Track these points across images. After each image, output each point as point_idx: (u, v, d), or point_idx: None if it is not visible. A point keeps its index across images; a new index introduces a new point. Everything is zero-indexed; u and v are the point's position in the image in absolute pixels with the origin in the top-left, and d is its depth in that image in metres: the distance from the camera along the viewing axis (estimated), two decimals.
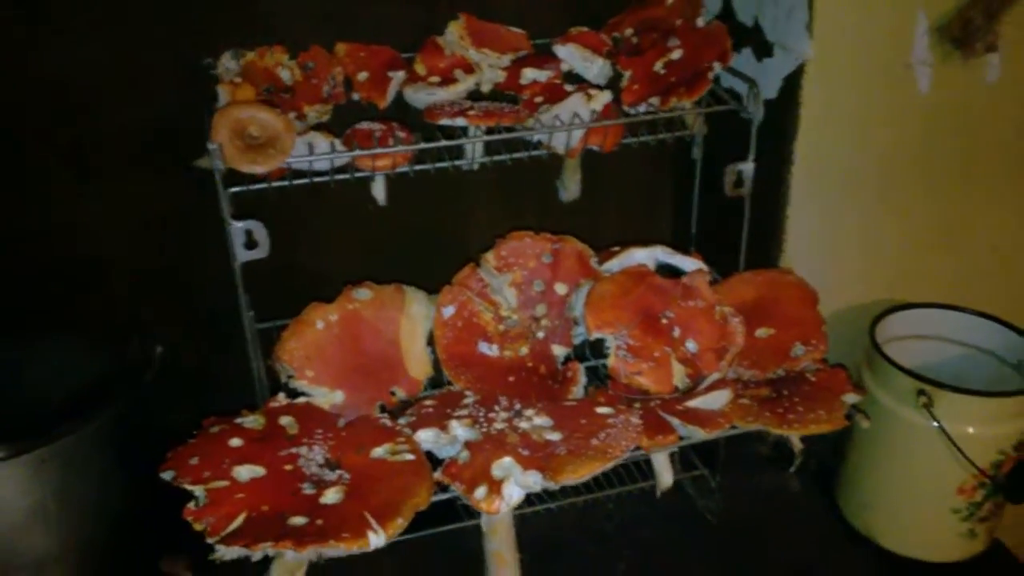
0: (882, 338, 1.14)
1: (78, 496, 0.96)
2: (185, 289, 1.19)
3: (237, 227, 0.85)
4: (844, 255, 1.22)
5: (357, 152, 0.90)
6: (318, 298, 1.00)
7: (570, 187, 1.13)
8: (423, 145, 0.92)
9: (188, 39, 1.05)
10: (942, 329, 1.21)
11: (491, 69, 1.06)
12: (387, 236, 1.19)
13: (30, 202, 1.10)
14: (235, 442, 0.79)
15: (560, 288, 1.00)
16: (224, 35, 1.04)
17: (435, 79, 1.03)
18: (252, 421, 0.83)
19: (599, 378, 1.00)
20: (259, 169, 0.86)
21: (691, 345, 0.95)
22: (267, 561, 0.73)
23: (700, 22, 1.08)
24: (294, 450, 0.79)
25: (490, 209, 1.21)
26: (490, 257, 0.99)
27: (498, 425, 0.83)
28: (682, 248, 1.09)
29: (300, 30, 1.06)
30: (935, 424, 1.05)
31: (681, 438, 0.86)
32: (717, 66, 0.99)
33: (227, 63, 1.00)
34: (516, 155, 0.99)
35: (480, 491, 0.75)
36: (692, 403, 0.88)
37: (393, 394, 0.95)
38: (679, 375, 0.93)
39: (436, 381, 0.99)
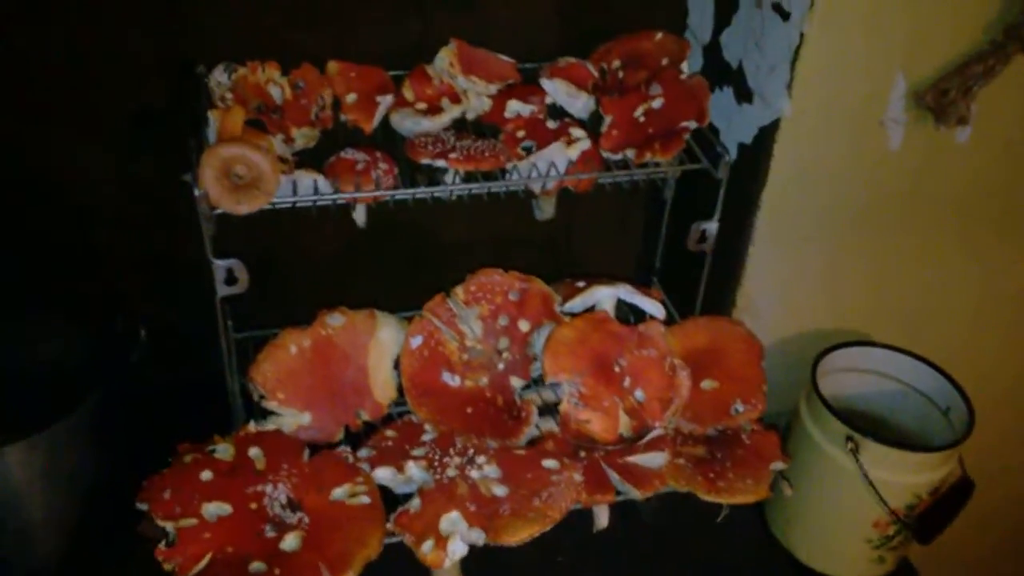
0: (825, 369, 1.21)
1: (65, 473, 1.02)
2: (167, 263, 1.23)
3: (219, 265, 0.89)
4: (801, 291, 1.27)
5: (342, 196, 0.93)
6: (296, 305, 1.05)
7: (546, 209, 1.16)
8: (402, 191, 0.95)
9: (181, 39, 1.05)
10: (880, 365, 1.28)
11: (478, 98, 1.08)
12: (366, 235, 1.23)
13: (15, 164, 1.12)
14: (206, 475, 0.86)
15: (523, 325, 1.06)
16: (217, 36, 1.06)
17: (422, 106, 1.05)
18: (223, 451, 0.89)
19: (550, 409, 1.06)
20: (244, 210, 0.89)
21: (639, 394, 1.02)
22: None
23: (685, 66, 1.10)
24: (260, 487, 0.86)
25: (468, 223, 1.25)
26: (459, 291, 1.04)
27: (450, 472, 0.90)
28: (645, 276, 1.14)
29: (293, 31, 1.07)
30: (858, 467, 1.13)
31: (618, 493, 0.93)
32: (693, 124, 1.02)
33: (219, 76, 1.01)
34: (494, 190, 1.03)
35: (427, 545, 0.83)
36: (632, 459, 0.96)
37: (358, 416, 1.02)
38: (625, 425, 1.00)
39: (401, 401, 1.05)
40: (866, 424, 1.15)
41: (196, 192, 0.85)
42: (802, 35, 1.02)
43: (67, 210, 1.16)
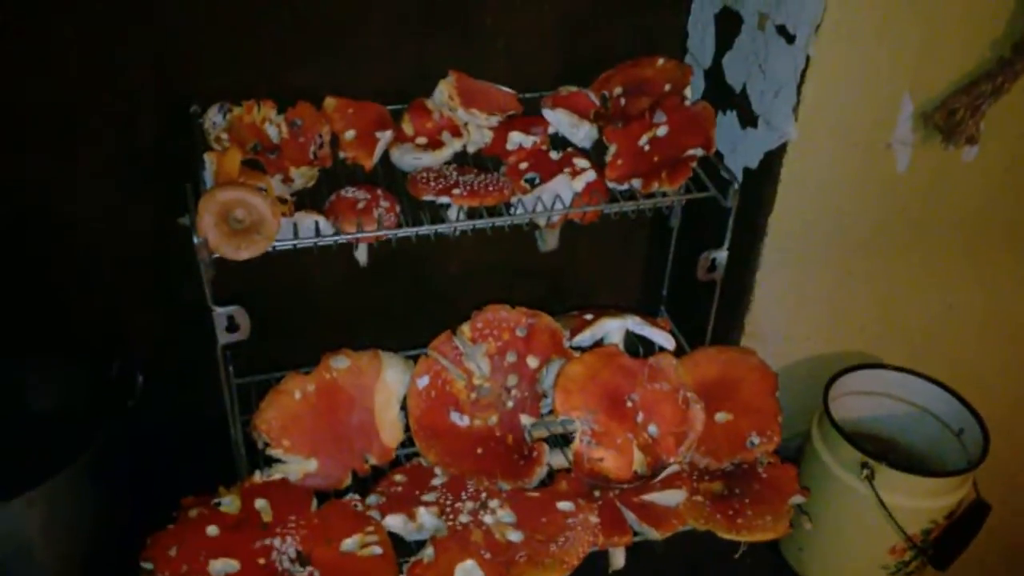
0: (836, 392, 1.19)
1: (64, 529, 0.99)
2: (164, 305, 1.20)
3: (220, 313, 0.86)
4: (809, 315, 1.26)
5: (344, 237, 0.91)
6: (298, 346, 1.03)
7: (549, 241, 1.15)
8: (405, 231, 0.93)
9: (175, 79, 1.03)
10: (892, 388, 1.26)
11: (478, 130, 1.06)
12: (362, 283, 1.21)
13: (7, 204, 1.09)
14: (212, 530, 0.83)
15: (532, 361, 1.03)
16: (211, 72, 1.04)
17: (422, 141, 1.04)
18: (228, 504, 0.87)
19: (558, 441, 1.04)
20: (244, 255, 0.87)
21: (653, 429, 1.00)
22: None
23: (688, 91, 1.09)
24: (268, 541, 0.84)
25: (469, 256, 1.23)
26: (466, 329, 1.02)
27: (463, 518, 0.87)
28: (651, 305, 1.12)
29: (288, 68, 1.05)
30: (873, 493, 1.11)
31: (635, 533, 0.91)
32: (700, 152, 1.00)
33: (214, 117, 0.99)
34: (498, 224, 1.01)
35: None
36: (649, 497, 0.93)
37: (366, 461, 0.99)
38: (639, 462, 0.98)
39: (409, 443, 1.02)
40: (878, 447, 1.13)
41: (195, 239, 0.83)
42: (808, 58, 1.00)
43: (60, 252, 1.13)
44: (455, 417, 1.02)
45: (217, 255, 0.86)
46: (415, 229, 0.93)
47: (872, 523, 1.13)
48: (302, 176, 0.99)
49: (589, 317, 1.09)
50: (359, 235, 0.92)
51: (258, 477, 0.91)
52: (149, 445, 1.16)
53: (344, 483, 0.98)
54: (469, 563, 0.82)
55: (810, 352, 1.29)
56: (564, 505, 0.90)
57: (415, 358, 1.04)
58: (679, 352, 1.11)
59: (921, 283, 1.27)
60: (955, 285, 1.28)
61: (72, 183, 1.08)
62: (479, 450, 1.00)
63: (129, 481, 1.11)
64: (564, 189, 0.99)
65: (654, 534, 0.90)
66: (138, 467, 1.13)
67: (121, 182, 1.09)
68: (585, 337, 1.06)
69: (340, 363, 0.99)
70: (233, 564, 0.81)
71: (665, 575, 1.17)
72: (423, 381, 1.01)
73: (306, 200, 0.98)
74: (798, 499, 0.95)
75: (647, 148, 1.03)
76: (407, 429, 1.01)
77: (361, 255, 1.02)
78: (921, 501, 1.12)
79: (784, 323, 1.23)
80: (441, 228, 0.95)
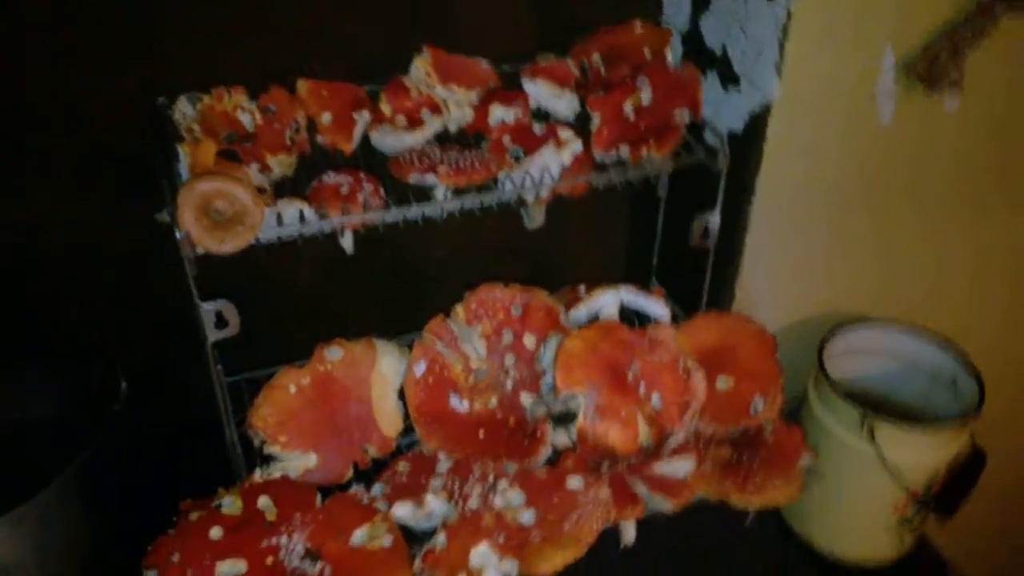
0: (829, 354, 1.18)
1: (57, 544, 0.95)
2: (143, 306, 1.17)
3: (207, 309, 0.83)
4: (799, 277, 1.25)
5: (330, 222, 0.88)
6: (286, 339, 1.00)
7: (536, 218, 1.12)
8: (393, 213, 0.91)
9: (141, 71, 0.99)
10: (884, 344, 1.26)
11: (459, 108, 1.03)
12: (349, 271, 1.18)
13: None
14: (215, 533, 0.80)
15: (528, 340, 1.01)
16: (179, 64, 1.00)
17: (402, 121, 1.01)
18: (230, 505, 0.84)
19: (559, 420, 1.02)
20: (228, 248, 0.84)
21: (656, 400, 0.98)
22: None
23: (668, 54, 1.07)
24: (274, 540, 0.81)
25: (455, 238, 1.21)
26: (460, 310, 1.00)
27: (473, 502, 0.85)
28: (640, 276, 1.10)
29: (261, 49, 1.02)
30: (874, 449, 1.11)
31: (648, 508, 0.89)
32: (687, 116, 0.98)
33: (183, 108, 0.95)
34: (487, 202, 0.99)
35: None
36: (658, 469, 0.92)
37: (366, 452, 0.97)
38: (644, 434, 0.96)
39: (408, 431, 1.00)
40: (871, 406, 1.13)
41: (178, 234, 0.80)
42: (789, 13, 0.99)
43: (33, 259, 1.09)
44: (454, 402, 0.99)
45: (201, 251, 0.83)
46: (403, 211, 0.90)
47: (873, 480, 1.13)
48: (280, 164, 0.95)
49: (582, 291, 1.07)
50: (346, 220, 0.89)
51: (258, 476, 0.88)
52: (138, 452, 1.12)
53: (345, 477, 0.95)
54: (483, 547, 0.80)
55: (802, 315, 1.29)
56: (574, 482, 0.88)
57: (409, 345, 1.02)
58: (674, 321, 1.09)
59: (910, 239, 1.26)
60: (945, 239, 1.28)
61: (41, 187, 1.04)
62: (481, 433, 0.98)
63: (120, 491, 1.08)
64: (552, 161, 0.96)
65: (667, 505, 0.89)
66: (128, 476, 1.10)
67: (91, 183, 1.05)
68: (580, 312, 1.04)
69: (334, 354, 0.96)
70: (240, 565, 0.78)
71: (673, 547, 1.16)
72: (420, 367, 0.98)
73: (286, 189, 0.95)
74: (807, 460, 0.94)
75: (632, 115, 1.01)
76: (406, 418, 0.99)
77: (347, 242, 0.99)
78: (922, 453, 1.12)
79: (775, 287, 1.22)
80: (428, 209, 0.92)
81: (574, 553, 0.80)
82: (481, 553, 0.80)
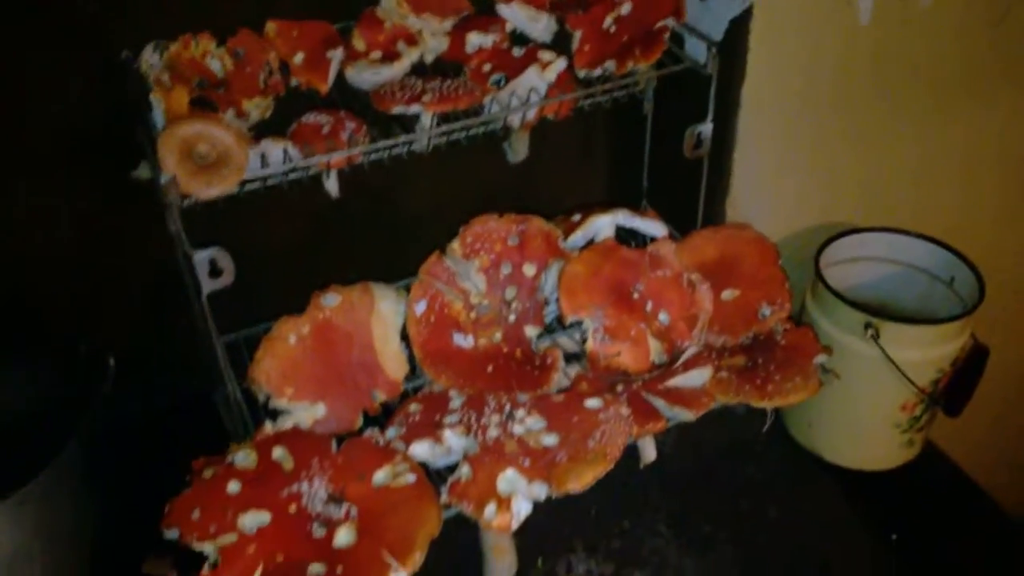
0: (824, 263, 1.18)
1: (59, 527, 0.92)
2: (121, 283, 1.12)
3: (201, 258, 0.80)
4: (785, 187, 1.24)
5: (316, 159, 0.85)
6: (273, 298, 0.96)
7: (519, 150, 1.10)
8: (381, 143, 0.87)
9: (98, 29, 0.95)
10: (878, 251, 1.26)
11: (434, 38, 1.00)
12: (334, 211, 1.14)
13: None
14: (233, 487, 0.78)
15: (528, 269, 0.99)
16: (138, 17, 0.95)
17: (377, 55, 0.97)
18: (244, 458, 0.81)
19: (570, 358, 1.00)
20: (214, 192, 0.80)
21: (664, 317, 0.97)
22: None
23: None
24: (295, 487, 0.78)
25: (437, 184, 1.18)
26: (456, 245, 0.97)
27: (492, 432, 0.83)
28: (632, 201, 1.08)
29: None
30: (879, 351, 1.10)
31: (669, 420, 0.88)
32: (671, 22, 0.96)
33: (149, 58, 0.91)
34: (471, 132, 0.96)
35: (490, 510, 0.77)
36: (674, 382, 0.90)
37: (374, 398, 0.94)
38: (656, 351, 0.94)
39: (411, 375, 0.98)
40: (872, 312, 1.12)
41: (162, 179, 0.76)
42: None
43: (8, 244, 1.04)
44: (459, 339, 0.97)
45: (186, 202, 0.79)
46: (390, 142, 0.87)
47: (880, 383, 1.13)
48: (256, 107, 0.92)
49: (577, 218, 1.05)
50: (333, 156, 0.86)
51: (269, 428, 0.85)
52: (136, 433, 1.09)
53: (356, 425, 0.93)
54: (510, 472, 0.78)
55: (794, 229, 1.28)
56: (592, 403, 0.86)
57: (406, 288, 0.99)
58: (673, 240, 1.07)
59: (897, 141, 1.26)
60: (931, 138, 1.28)
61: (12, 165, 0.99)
62: (490, 368, 0.96)
63: (121, 472, 1.04)
64: (537, 82, 0.93)
65: (687, 415, 0.87)
66: (128, 457, 1.06)
67: (56, 151, 1.00)
68: (577, 237, 1.02)
69: (331, 301, 0.93)
70: (264, 516, 0.75)
71: (681, 468, 1.15)
72: (420, 307, 0.96)
73: (265, 133, 0.91)
74: (822, 358, 0.93)
75: (613, 29, 0.99)
76: (411, 360, 0.96)
77: (332, 185, 0.95)
78: (927, 351, 1.12)
79: (766, 200, 1.21)
80: (416, 138, 0.89)
81: (603, 467, 0.78)
82: (508, 478, 0.78)
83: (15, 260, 1.05)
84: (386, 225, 1.19)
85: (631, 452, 1.05)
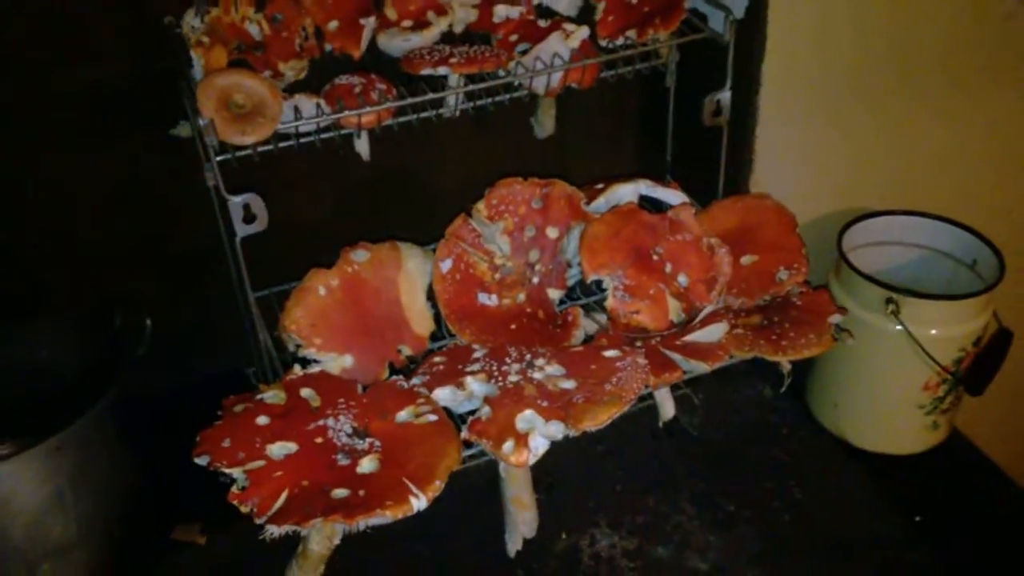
0: (847, 247, 1.19)
1: (92, 478, 0.95)
2: (159, 255, 1.16)
3: (236, 202, 0.83)
4: (808, 169, 1.26)
5: (346, 113, 0.89)
6: (302, 254, 1.00)
7: (546, 124, 1.13)
8: (410, 100, 0.91)
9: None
10: (901, 234, 1.27)
11: (463, 8, 1.04)
12: (363, 186, 1.18)
13: None
14: (262, 420, 0.80)
15: (551, 232, 1.02)
16: None
17: (408, 23, 1.01)
18: (273, 396, 0.84)
19: (592, 317, 1.02)
20: (249, 140, 0.84)
21: (682, 279, 0.98)
22: None
23: None
24: (321, 422, 0.81)
25: (462, 149, 1.21)
26: (481, 207, 1.00)
27: (512, 378, 0.85)
28: (657, 177, 1.11)
29: None
30: (901, 328, 1.11)
31: (685, 372, 0.89)
32: None
33: (191, 21, 0.95)
34: (498, 98, 0.99)
35: (508, 445, 0.78)
36: (691, 337, 0.92)
37: (400, 352, 0.97)
38: (674, 310, 0.96)
39: (437, 335, 1.00)
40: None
41: (200, 122, 0.80)
42: None
43: (43, 205, 1.08)
44: (483, 298, 1.00)
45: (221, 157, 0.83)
46: (419, 99, 0.91)
47: (904, 360, 1.13)
48: (291, 69, 0.96)
49: (600, 187, 1.08)
50: (364, 111, 0.89)
51: (298, 370, 0.87)
52: (168, 400, 1.12)
53: (382, 376, 0.95)
54: (528, 412, 0.80)
55: (816, 213, 1.29)
56: (610, 353, 0.88)
57: (434, 250, 1.02)
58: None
59: (919, 125, 1.27)
60: (949, 123, 1.29)
61: (42, 134, 1.04)
62: (512, 326, 0.99)
63: (154, 435, 1.07)
64: (561, 47, 0.97)
65: (703, 367, 0.89)
66: (160, 420, 1.09)
67: (96, 114, 1.04)
68: (600, 204, 1.05)
69: (360, 256, 0.97)
70: (291, 446, 0.78)
71: (704, 449, 1.16)
72: (446, 264, 0.99)
73: (299, 92, 0.95)
74: (836, 318, 0.94)
75: (635, 1, 1.02)
76: (436, 318, 0.99)
77: (363, 147, 0.99)
78: (949, 328, 1.12)
79: (788, 181, 1.23)
80: (443, 96, 0.92)
81: (618, 408, 0.80)
82: (527, 417, 0.80)
83: (61, 222, 1.10)
84: (415, 200, 1.22)
85: (658, 429, 1.07)
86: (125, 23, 1.00)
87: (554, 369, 0.87)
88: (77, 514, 0.97)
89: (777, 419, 1.24)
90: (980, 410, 1.28)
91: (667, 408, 0.94)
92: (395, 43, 0.99)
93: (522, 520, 0.92)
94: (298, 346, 0.93)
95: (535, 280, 1.02)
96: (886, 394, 1.19)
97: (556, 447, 0.80)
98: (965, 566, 1.04)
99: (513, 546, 0.92)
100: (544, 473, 1.08)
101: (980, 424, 1.28)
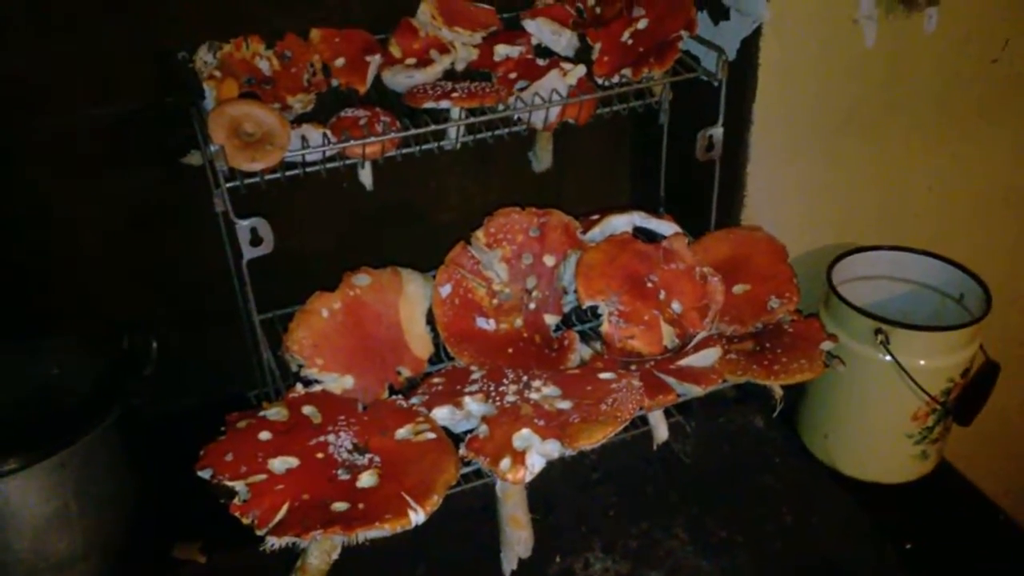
0: (837, 279, 1.22)
1: (96, 495, 0.98)
2: (167, 280, 1.20)
3: (243, 225, 0.87)
4: (798, 204, 1.29)
5: (352, 143, 0.92)
6: (306, 283, 1.03)
7: (543, 158, 1.17)
8: (413, 131, 0.95)
9: (157, 31, 1.04)
10: (889, 269, 1.30)
11: (464, 48, 1.08)
12: (366, 215, 1.22)
13: (4, 202, 1.08)
14: (264, 435, 0.83)
15: (548, 260, 1.05)
16: (193, 23, 1.04)
17: (412, 61, 1.05)
18: (275, 413, 0.86)
19: (587, 343, 1.05)
20: (258, 166, 0.87)
21: (676, 306, 1.01)
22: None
23: None
24: (322, 438, 0.83)
25: (462, 182, 1.25)
26: (480, 235, 1.03)
27: (509, 398, 0.88)
28: (651, 210, 1.14)
29: (267, 10, 1.07)
30: (890, 359, 1.13)
31: (679, 395, 0.92)
32: (684, 35, 1.03)
33: (204, 56, 1.00)
34: (497, 132, 1.03)
35: (505, 463, 0.81)
36: (684, 362, 0.95)
37: (399, 374, 0.99)
38: (668, 336, 0.99)
39: (435, 358, 1.03)
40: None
41: (212, 148, 0.83)
42: None
43: (58, 230, 1.12)
44: (481, 322, 1.02)
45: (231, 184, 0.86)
46: (422, 130, 0.94)
47: (893, 391, 1.16)
48: (299, 102, 1.00)
49: (595, 217, 1.11)
50: (368, 140, 0.93)
51: (300, 388, 0.90)
52: (173, 424, 1.14)
53: (381, 397, 0.98)
54: (525, 431, 0.83)
55: (807, 247, 1.32)
56: (606, 375, 0.91)
57: (433, 276, 1.05)
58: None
59: (904, 162, 1.31)
60: (938, 160, 1.32)
61: (55, 157, 1.08)
62: (510, 350, 1.01)
63: (158, 456, 1.09)
64: (559, 84, 1.01)
65: (697, 390, 0.91)
66: (165, 444, 1.11)
67: (106, 151, 1.09)
68: (595, 234, 1.08)
69: (362, 280, 1.00)
70: (292, 461, 0.80)
71: (696, 476, 1.18)
72: (445, 289, 1.02)
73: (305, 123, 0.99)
74: (827, 344, 0.97)
75: (630, 42, 1.06)
76: (436, 342, 1.02)
77: (366, 178, 1.03)
78: (937, 359, 1.15)
79: (779, 215, 1.26)
80: (444, 128, 0.96)
81: (613, 428, 0.82)
82: (524, 436, 0.83)
83: (73, 246, 1.13)
84: (416, 229, 1.26)
85: (652, 456, 1.08)
86: (142, 60, 1.04)
87: (550, 390, 0.89)
88: (81, 529, 0.99)
89: (769, 448, 1.26)
90: (969, 440, 1.30)
91: (661, 431, 0.96)
92: (399, 79, 1.03)
93: (518, 540, 0.94)
94: (300, 366, 0.95)
95: (532, 306, 1.05)
96: (876, 424, 1.21)
97: (552, 472, 0.82)
98: None
99: (508, 566, 0.93)
100: (540, 497, 1.10)
101: (969, 454, 1.30)
